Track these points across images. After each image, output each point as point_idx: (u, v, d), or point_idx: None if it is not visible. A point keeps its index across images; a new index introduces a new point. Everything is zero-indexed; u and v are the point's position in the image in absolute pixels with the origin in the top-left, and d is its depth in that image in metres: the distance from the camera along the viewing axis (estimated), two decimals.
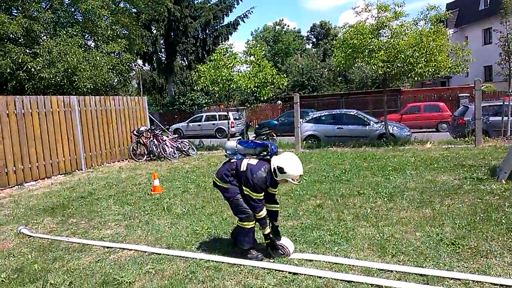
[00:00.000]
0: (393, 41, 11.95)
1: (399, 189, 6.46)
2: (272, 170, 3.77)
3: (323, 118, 15.14)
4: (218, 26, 31.81)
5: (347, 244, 4.24)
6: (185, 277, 3.68)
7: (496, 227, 4.43)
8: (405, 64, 11.92)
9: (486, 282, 3.21)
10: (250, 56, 14.63)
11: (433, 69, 11.78)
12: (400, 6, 12.30)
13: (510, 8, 13.97)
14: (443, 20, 13.98)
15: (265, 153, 3.95)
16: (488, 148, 10.22)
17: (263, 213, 3.84)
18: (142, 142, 12.64)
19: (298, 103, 12.87)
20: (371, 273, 3.52)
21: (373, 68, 12.30)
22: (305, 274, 3.55)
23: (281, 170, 3.69)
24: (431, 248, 3.97)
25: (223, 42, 29.90)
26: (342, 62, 12.83)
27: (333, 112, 15.53)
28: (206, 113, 25.69)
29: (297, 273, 3.57)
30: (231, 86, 14.19)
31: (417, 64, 11.64)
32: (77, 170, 10.80)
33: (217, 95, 20.15)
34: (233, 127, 21.02)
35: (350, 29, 12.60)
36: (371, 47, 12.05)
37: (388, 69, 12.21)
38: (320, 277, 3.48)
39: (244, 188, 3.82)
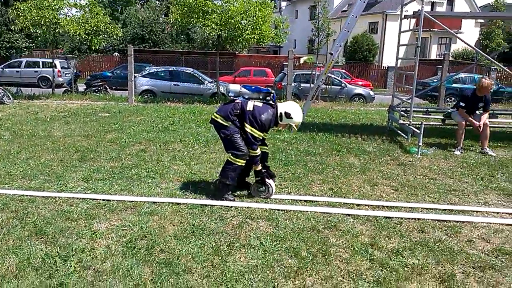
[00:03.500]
0: (226, 6, 12.89)
1: (216, 138, 7.46)
2: (278, 115, 4.16)
3: (161, 74, 15.40)
4: None
5: (160, 177, 4.97)
6: None
7: (276, 163, 5.82)
8: (234, 30, 13.05)
9: None
10: (80, 0, 13.57)
11: (258, 37, 13.28)
12: None
13: None
14: None
15: (268, 98, 4.35)
16: None
17: (259, 151, 4.22)
18: None
19: (132, 56, 12.74)
20: (174, 196, 4.33)
21: (207, 29, 13.08)
22: (116, 200, 4.12)
23: (288, 115, 4.13)
24: None
25: None
26: (178, 20, 13.19)
27: (170, 69, 15.94)
28: (26, 59, 22.45)
29: (110, 200, 4.11)
30: (57, 31, 12.98)
31: (245, 30, 12.93)
32: None
33: (40, 39, 17.91)
34: (60, 76, 19.13)
35: None
36: (205, 8, 12.72)
37: (220, 32, 13.18)
38: (131, 201, 4.11)
39: (248, 127, 4.08)
